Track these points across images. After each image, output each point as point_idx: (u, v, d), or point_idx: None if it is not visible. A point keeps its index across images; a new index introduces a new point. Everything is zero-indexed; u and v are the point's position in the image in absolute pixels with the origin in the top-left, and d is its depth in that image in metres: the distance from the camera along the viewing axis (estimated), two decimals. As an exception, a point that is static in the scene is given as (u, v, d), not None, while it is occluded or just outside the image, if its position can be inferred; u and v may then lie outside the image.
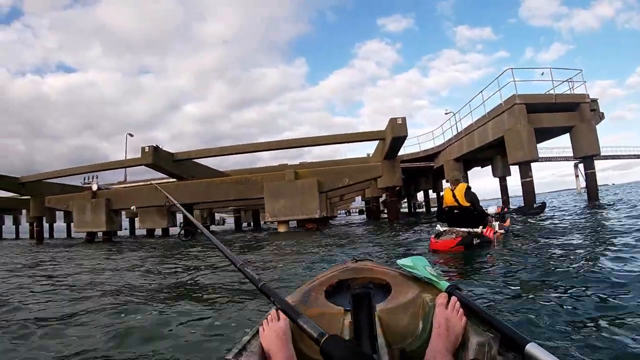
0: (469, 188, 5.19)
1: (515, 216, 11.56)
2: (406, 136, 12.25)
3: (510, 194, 18.70)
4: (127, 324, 2.31)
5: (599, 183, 29.32)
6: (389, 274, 1.43)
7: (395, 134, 11.91)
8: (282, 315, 1.14)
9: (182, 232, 14.39)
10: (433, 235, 5.02)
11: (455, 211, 5.15)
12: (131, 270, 5.30)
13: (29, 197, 20.75)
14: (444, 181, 21.56)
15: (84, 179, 26.66)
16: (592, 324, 1.86)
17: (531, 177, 13.51)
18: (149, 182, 18.76)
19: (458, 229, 4.97)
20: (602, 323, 1.85)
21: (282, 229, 12.40)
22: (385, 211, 25.79)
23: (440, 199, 5.59)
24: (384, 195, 22.69)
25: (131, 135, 31.26)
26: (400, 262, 1.48)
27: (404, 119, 11.86)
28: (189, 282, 3.92)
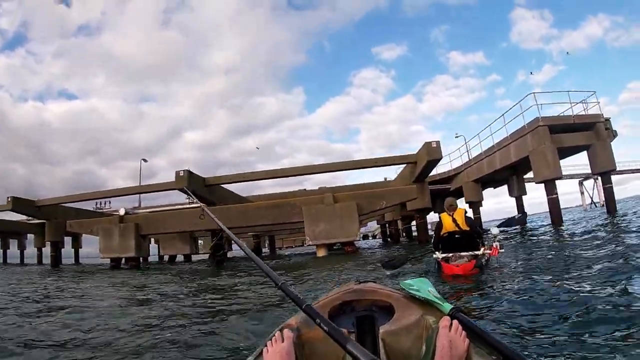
0: (466, 212, 5.18)
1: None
2: (441, 158, 12.68)
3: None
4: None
5: (594, 200, 29.97)
6: (392, 296, 1.43)
7: (430, 157, 12.33)
8: (286, 336, 1.14)
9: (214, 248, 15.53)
10: (441, 261, 4.92)
11: (457, 236, 5.06)
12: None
13: (38, 221, 20.25)
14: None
15: (96, 204, 26.51)
16: (597, 346, 1.81)
17: (556, 193, 14.07)
18: (185, 206, 18.70)
19: (461, 253, 4.90)
20: (610, 346, 1.80)
21: (321, 253, 12.51)
22: (391, 234, 26.39)
23: (438, 226, 5.28)
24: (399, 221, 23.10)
25: (145, 160, 31.37)
26: (403, 283, 1.51)
27: (438, 142, 12.31)
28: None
